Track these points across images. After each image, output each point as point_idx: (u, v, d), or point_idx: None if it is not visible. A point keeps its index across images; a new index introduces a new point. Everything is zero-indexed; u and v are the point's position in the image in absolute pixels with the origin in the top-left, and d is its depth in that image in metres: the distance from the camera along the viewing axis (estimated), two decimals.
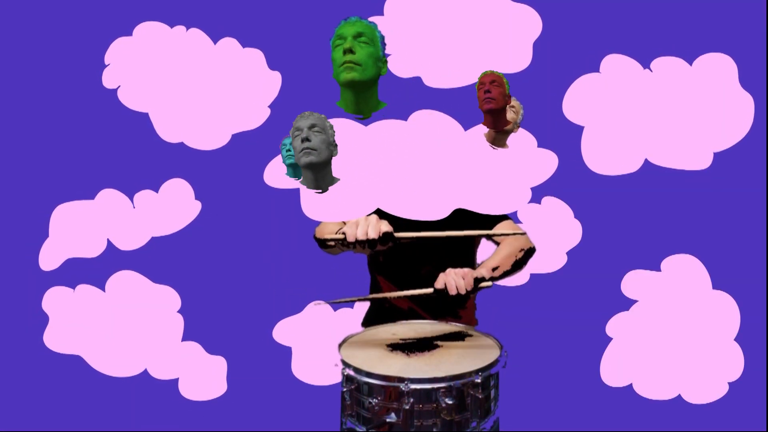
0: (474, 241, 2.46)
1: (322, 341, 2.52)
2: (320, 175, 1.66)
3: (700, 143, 2.36)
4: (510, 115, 2.22)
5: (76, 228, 2.47)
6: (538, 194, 2.71)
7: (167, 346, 2.44)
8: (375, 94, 2.43)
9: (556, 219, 2.69)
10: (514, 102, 2.33)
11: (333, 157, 1.66)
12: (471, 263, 2.44)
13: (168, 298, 2.46)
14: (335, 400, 2.02)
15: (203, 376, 2.43)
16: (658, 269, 2.38)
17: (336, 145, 1.63)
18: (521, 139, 2.42)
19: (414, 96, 2.43)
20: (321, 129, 1.69)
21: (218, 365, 2.46)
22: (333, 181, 1.72)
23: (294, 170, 2.33)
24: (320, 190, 2.01)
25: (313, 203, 2.22)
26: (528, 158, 2.35)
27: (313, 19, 2.57)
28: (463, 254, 2.41)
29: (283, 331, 2.57)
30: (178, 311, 2.48)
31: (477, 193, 2.24)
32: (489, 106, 2.07)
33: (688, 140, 2.37)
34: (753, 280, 2.40)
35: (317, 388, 2.45)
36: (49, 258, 2.45)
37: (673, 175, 2.41)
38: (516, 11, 2.36)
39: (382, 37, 2.43)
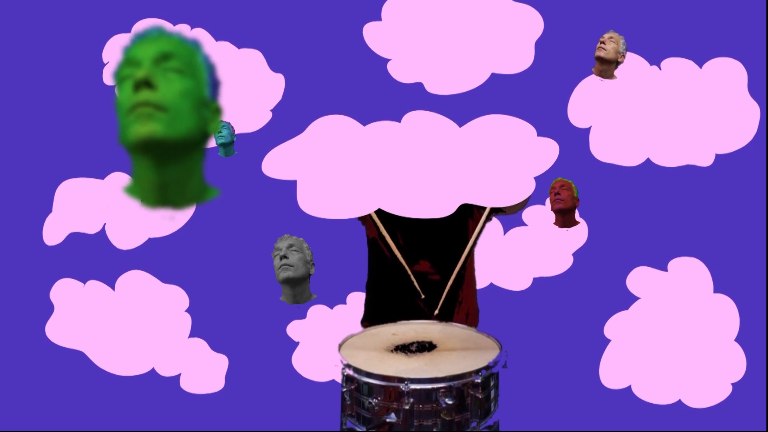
0: (468, 240, 2.51)
1: (323, 341, 2.57)
2: (298, 290, 1.71)
3: (705, 145, 2.41)
4: (611, 45, 2.31)
5: (79, 205, 2.54)
6: (542, 194, 2.76)
7: (170, 345, 2.49)
8: (197, 170, 1.51)
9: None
10: (612, 34, 2.38)
11: (311, 272, 1.67)
12: (468, 260, 2.50)
13: (175, 298, 2.51)
14: (335, 400, 2.08)
15: (204, 375, 2.49)
16: (663, 269, 2.43)
17: (313, 264, 1.63)
18: (520, 129, 2.46)
19: (415, 101, 2.42)
20: (298, 248, 1.73)
21: (220, 364, 2.52)
22: (310, 296, 1.72)
23: (225, 149, 2.52)
24: (298, 305, 1.90)
25: (309, 199, 2.27)
26: (528, 148, 2.38)
27: (315, 24, 2.62)
28: (459, 252, 2.46)
29: (284, 331, 2.63)
30: (186, 311, 2.53)
31: (481, 187, 2.26)
32: (558, 206, 2.32)
33: (693, 141, 2.42)
34: (754, 283, 2.46)
35: (318, 389, 2.51)
36: (53, 233, 2.51)
37: (677, 175, 2.47)
38: (517, 11, 2.39)
39: (211, 69, 1.52)
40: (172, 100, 1.40)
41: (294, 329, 2.63)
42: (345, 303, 2.70)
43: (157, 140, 1.39)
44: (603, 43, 2.33)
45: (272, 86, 2.54)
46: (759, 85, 2.40)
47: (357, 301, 2.65)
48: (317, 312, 2.67)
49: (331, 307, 2.69)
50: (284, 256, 1.66)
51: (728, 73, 2.41)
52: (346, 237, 2.56)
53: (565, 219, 2.37)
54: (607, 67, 2.33)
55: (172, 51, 1.44)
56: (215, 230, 2.65)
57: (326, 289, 2.65)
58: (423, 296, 2.40)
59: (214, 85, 1.47)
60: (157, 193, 1.45)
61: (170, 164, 1.44)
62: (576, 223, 2.40)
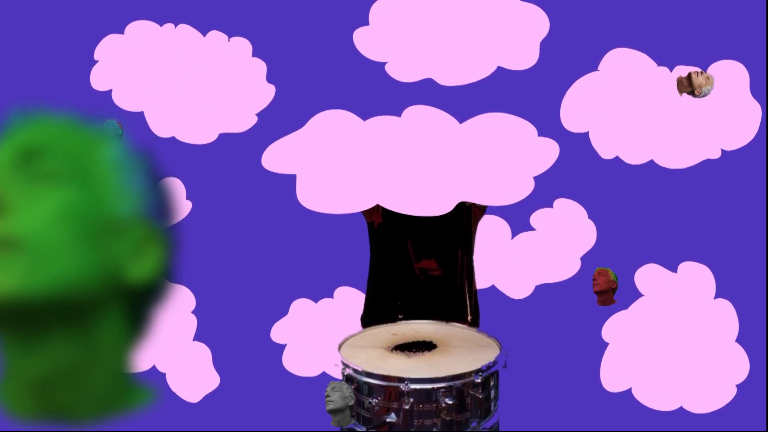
0: (471, 237, 2.56)
1: (323, 340, 2.62)
2: (339, 417, 2.30)
3: (709, 145, 2.46)
4: (702, 78, 2.46)
5: None
6: (550, 194, 2.81)
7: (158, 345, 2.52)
8: (109, 353, 0.91)
9: (569, 222, 2.77)
10: (710, 75, 2.50)
11: (349, 405, 2.27)
12: (470, 256, 2.55)
13: (181, 298, 2.55)
14: None
15: (194, 375, 2.53)
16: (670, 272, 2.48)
17: (352, 398, 2.24)
18: (520, 129, 2.50)
19: (415, 101, 2.46)
20: (339, 390, 2.31)
21: (207, 364, 2.56)
22: (350, 420, 2.28)
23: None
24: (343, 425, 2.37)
25: (309, 193, 2.31)
26: (528, 147, 2.43)
27: (301, 30, 2.67)
28: (461, 247, 2.52)
29: (283, 330, 2.68)
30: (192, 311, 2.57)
31: (480, 186, 2.31)
32: (595, 289, 2.67)
33: (697, 142, 2.47)
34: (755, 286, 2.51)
35: (317, 388, 2.55)
36: None
37: (682, 177, 2.51)
38: (523, 10, 2.43)
39: (137, 168, 0.94)
40: (36, 228, 0.84)
41: (293, 329, 2.68)
42: (332, 297, 2.75)
43: (6, 302, 0.83)
44: (702, 73, 2.50)
45: (262, 94, 2.59)
46: (760, 85, 2.46)
47: (344, 296, 2.71)
48: (318, 312, 2.72)
49: (316, 301, 2.75)
50: (328, 395, 2.32)
51: (731, 76, 2.47)
52: (342, 231, 2.62)
53: (602, 298, 2.71)
54: (685, 87, 2.49)
55: (43, 145, 0.87)
56: (205, 228, 2.69)
57: (322, 283, 2.71)
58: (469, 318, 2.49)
59: (149, 195, 0.85)
60: (33, 393, 0.88)
61: (50, 343, 0.84)
62: (613, 302, 2.70)
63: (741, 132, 2.44)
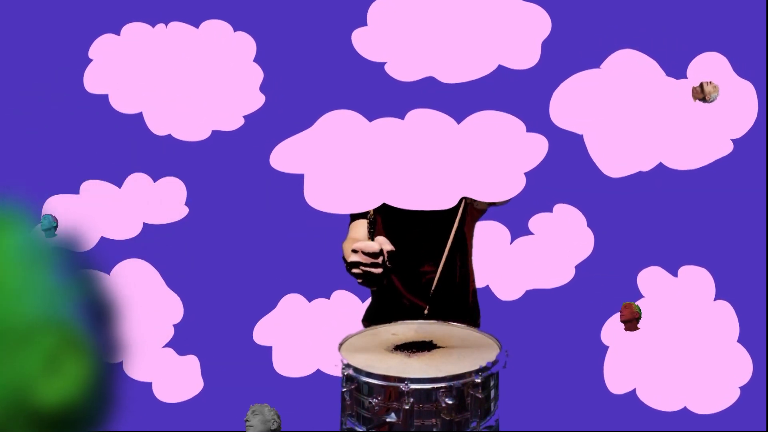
0: (467, 241, 2.59)
1: (322, 340, 2.64)
2: None
3: (713, 140, 2.48)
4: (709, 88, 2.51)
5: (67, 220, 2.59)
6: (550, 200, 2.83)
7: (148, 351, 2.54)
8: None
9: (567, 228, 2.80)
10: (716, 84, 2.55)
11: (271, 428, 2.28)
12: (467, 260, 2.58)
13: (170, 305, 2.56)
14: (335, 400, 2.14)
15: (180, 378, 2.56)
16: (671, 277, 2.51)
17: (275, 422, 2.25)
18: (509, 126, 2.52)
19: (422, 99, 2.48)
20: (259, 413, 2.32)
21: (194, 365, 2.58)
22: None
23: (47, 233, 2.58)
24: None
25: (317, 193, 2.33)
26: (518, 144, 2.45)
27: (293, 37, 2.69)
28: (461, 252, 2.55)
29: (277, 329, 2.70)
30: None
31: (477, 182, 2.33)
32: (621, 319, 2.80)
33: (700, 139, 2.50)
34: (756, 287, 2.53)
35: (316, 389, 2.57)
36: None
37: (685, 178, 2.54)
38: (525, 10, 2.46)
39: (40, 253, 0.73)
40: None
41: (292, 329, 2.69)
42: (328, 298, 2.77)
43: None
44: (710, 83, 2.55)
45: (254, 99, 2.62)
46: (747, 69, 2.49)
47: (362, 306, 2.73)
48: (318, 312, 2.74)
49: (309, 300, 2.76)
50: (248, 420, 2.34)
51: (713, 67, 2.50)
52: (341, 232, 2.64)
53: (627, 326, 2.86)
54: (698, 94, 2.54)
55: None
56: (204, 228, 2.70)
57: (320, 283, 2.73)
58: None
59: (69, 294, 0.69)
60: None
61: None
62: (637, 329, 2.85)
63: (743, 116, 2.46)
